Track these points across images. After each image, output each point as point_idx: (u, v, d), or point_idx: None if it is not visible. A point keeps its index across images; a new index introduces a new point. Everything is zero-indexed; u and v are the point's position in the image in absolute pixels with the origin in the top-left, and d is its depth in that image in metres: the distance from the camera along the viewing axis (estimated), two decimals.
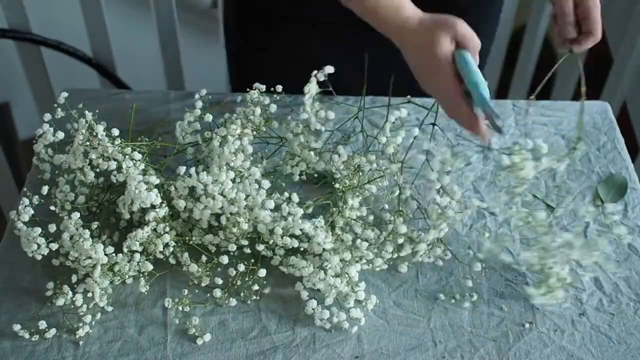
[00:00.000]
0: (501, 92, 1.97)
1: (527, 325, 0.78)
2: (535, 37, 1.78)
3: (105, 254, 0.77)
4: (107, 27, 1.38)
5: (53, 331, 0.77)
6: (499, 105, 1.04)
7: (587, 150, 0.98)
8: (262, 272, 0.79)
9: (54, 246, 0.77)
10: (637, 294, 0.81)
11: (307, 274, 0.78)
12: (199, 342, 0.76)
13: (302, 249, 0.80)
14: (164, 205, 0.78)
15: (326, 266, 0.78)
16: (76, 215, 0.78)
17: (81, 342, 0.76)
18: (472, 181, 0.93)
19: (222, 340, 0.77)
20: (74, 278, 0.80)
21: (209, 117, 0.86)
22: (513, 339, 0.77)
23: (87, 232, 0.77)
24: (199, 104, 0.87)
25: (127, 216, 0.80)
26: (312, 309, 0.77)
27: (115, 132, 0.80)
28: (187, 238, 0.80)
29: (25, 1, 1.32)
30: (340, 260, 0.79)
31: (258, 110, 0.85)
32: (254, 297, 0.80)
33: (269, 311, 0.79)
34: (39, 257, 0.78)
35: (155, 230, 0.78)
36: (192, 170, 0.78)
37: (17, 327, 0.76)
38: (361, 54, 0.89)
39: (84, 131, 0.79)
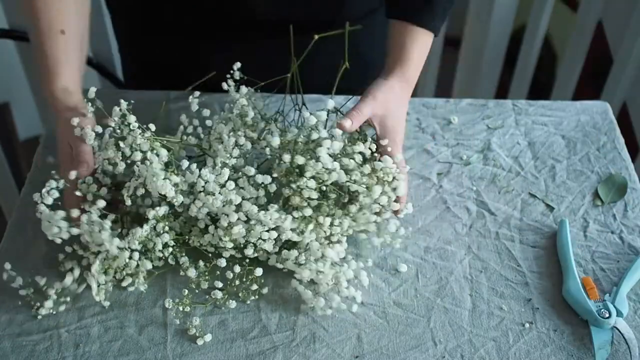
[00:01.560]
0: (501, 92, 1.97)
1: (527, 325, 0.78)
2: (535, 37, 1.78)
3: (118, 248, 0.76)
4: (107, 27, 1.38)
5: (53, 331, 0.77)
6: (498, 105, 1.05)
7: (587, 150, 0.98)
8: (259, 272, 0.79)
9: (75, 231, 0.77)
10: (637, 294, 0.81)
11: (295, 268, 0.78)
12: (199, 342, 0.76)
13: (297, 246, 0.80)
14: (163, 203, 0.78)
15: (308, 254, 0.78)
16: (102, 203, 0.77)
17: (81, 342, 0.76)
18: (471, 181, 0.94)
19: (222, 340, 0.77)
20: (74, 277, 0.80)
21: (206, 113, 0.86)
22: (513, 339, 0.77)
23: (108, 222, 0.77)
24: (195, 106, 0.86)
25: (129, 202, 0.79)
26: (309, 299, 0.77)
27: (152, 127, 0.80)
28: (187, 237, 0.80)
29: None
30: (319, 242, 0.79)
31: (252, 113, 0.85)
32: (253, 297, 0.80)
33: (269, 311, 0.79)
34: (59, 241, 0.77)
35: (155, 228, 0.78)
36: (194, 166, 0.78)
37: (17, 328, 0.76)
38: (249, 59, 0.91)
39: (116, 119, 0.79)
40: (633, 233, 0.88)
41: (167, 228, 0.79)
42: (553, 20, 1.80)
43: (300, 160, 0.77)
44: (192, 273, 0.79)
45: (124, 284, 0.80)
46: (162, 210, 0.78)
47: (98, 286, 0.78)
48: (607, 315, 0.77)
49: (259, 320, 0.79)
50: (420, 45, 0.86)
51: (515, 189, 0.93)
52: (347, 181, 0.78)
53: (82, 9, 0.88)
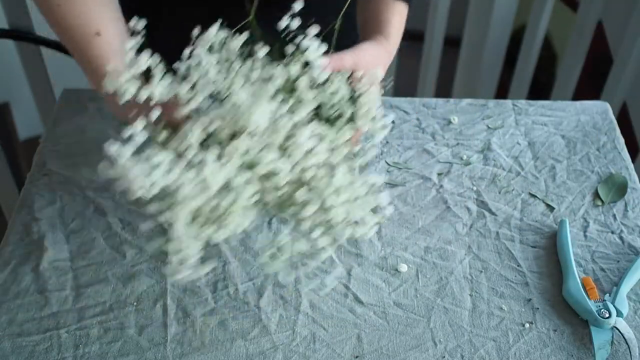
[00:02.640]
0: (501, 92, 1.97)
1: (527, 325, 0.78)
2: (535, 37, 1.78)
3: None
4: None
5: (53, 331, 0.77)
6: (498, 105, 1.05)
7: (587, 150, 0.98)
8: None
9: (172, 175, 0.62)
10: (637, 294, 0.81)
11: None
12: (199, 343, 0.76)
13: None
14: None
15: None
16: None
17: (81, 343, 0.76)
18: (472, 181, 0.94)
19: (222, 340, 0.77)
20: (74, 279, 0.80)
21: None
22: (513, 339, 0.77)
23: (212, 155, 0.64)
24: None
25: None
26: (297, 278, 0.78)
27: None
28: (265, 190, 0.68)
29: (26, 1, 1.32)
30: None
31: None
32: (253, 297, 0.80)
33: (269, 311, 0.79)
34: (150, 194, 0.64)
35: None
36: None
37: (17, 329, 0.76)
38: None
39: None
40: (633, 233, 0.88)
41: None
42: (553, 20, 1.80)
43: (293, 69, 0.71)
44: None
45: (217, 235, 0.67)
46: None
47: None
48: (607, 315, 0.77)
49: (259, 320, 0.79)
50: (399, 17, 0.89)
51: (515, 189, 0.93)
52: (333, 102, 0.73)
53: (115, 13, 0.81)
